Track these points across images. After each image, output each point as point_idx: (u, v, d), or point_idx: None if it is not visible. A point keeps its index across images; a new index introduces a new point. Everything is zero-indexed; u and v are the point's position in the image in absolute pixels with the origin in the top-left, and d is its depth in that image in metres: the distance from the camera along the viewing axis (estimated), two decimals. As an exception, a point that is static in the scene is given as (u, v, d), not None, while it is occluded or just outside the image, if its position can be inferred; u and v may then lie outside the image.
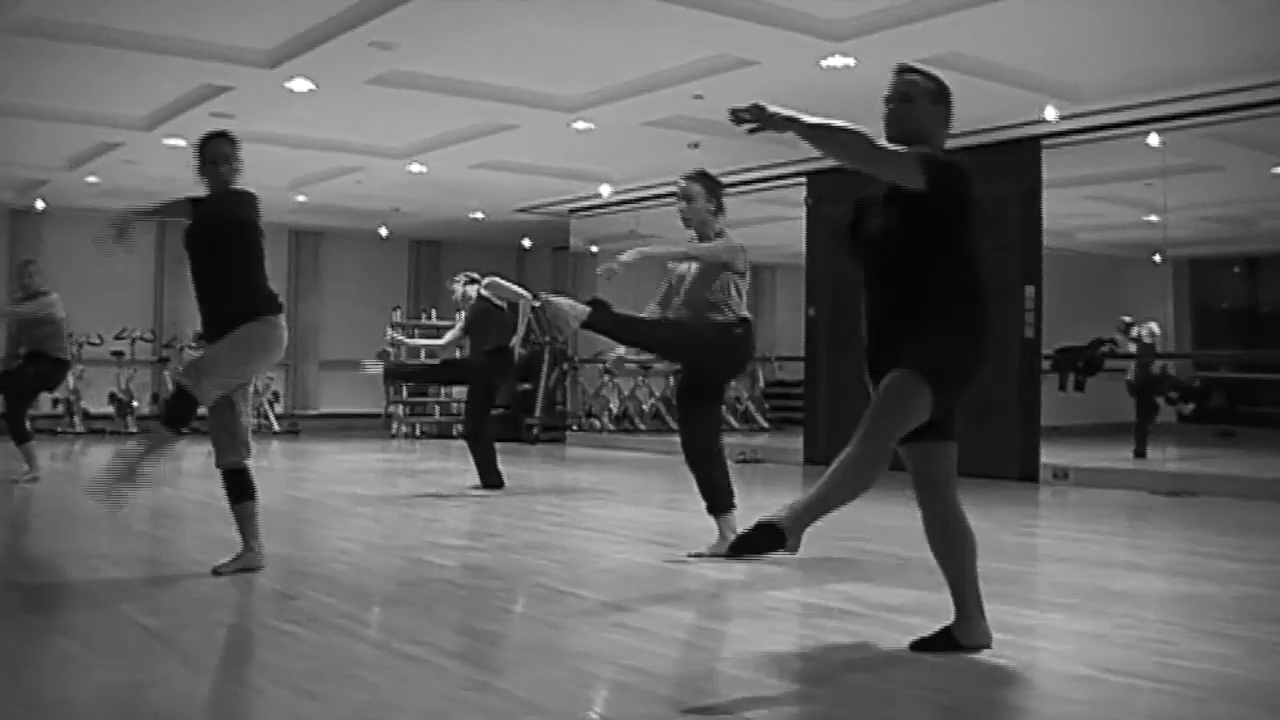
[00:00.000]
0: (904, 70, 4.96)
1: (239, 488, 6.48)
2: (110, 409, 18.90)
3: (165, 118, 12.97)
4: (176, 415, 6.16)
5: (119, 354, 18.88)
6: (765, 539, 4.32)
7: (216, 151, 6.45)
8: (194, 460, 11.47)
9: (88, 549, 7.26)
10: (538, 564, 6.85)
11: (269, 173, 16.19)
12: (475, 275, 11.47)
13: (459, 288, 11.50)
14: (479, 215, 19.70)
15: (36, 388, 11.53)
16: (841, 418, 14.05)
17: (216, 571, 6.23)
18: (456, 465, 14.42)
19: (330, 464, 14.39)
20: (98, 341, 18.15)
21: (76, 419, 18.37)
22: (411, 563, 6.90)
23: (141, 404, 19.23)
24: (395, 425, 20.33)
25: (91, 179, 16.44)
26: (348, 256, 21.86)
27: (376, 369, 10.62)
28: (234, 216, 6.28)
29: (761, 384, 23.23)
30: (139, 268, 19.97)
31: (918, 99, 4.95)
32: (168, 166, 15.34)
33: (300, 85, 11.25)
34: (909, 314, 4.66)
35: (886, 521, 8.35)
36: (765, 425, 21.87)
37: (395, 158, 14.97)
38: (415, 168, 15.41)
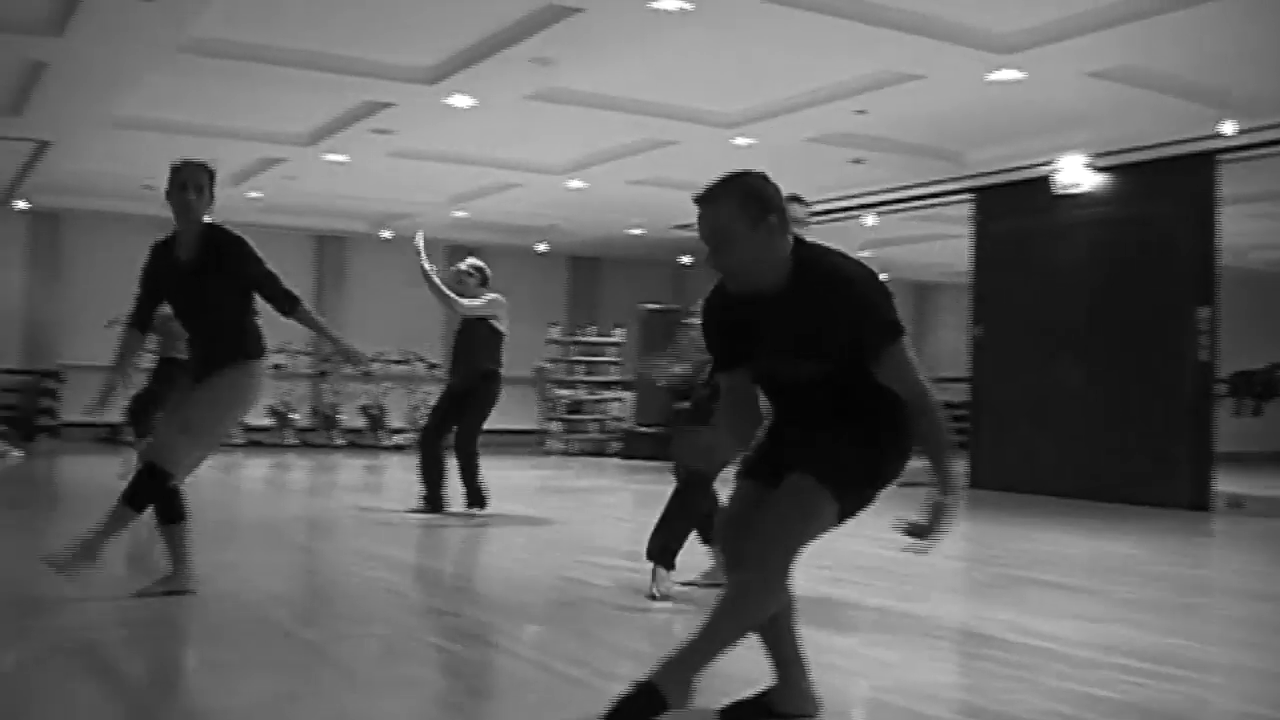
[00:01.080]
0: (704, 199, 3.89)
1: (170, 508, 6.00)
2: (269, 421, 19.37)
3: (327, 134, 13.28)
4: (143, 496, 5.80)
5: (278, 367, 19.31)
6: (644, 704, 3.61)
7: (190, 178, 5.98)
8: (350, 473, 11.69)
9: (248, 560, 7.44)
10: (692, 589, 6.86)
11: (428, 188, 16.48)
12: (486, 271, 10.62)
13: (470, 280, 10.45)
14: (638, 231, 19.80)
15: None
16: (1007, 441, 13.92)
17: (139, 594, 5.87)
18: (611, 483, 14.50)
19: (486, 480, 14.54)
20: (258, 355, 18.56)
21: (236, 430, 18.81)
22: (568, 582, 6.96)
23: (300, 416, 19.66)
24: (550, 442, 20.50)
25: (254, 194, 16.85)
26: (505, 272, 21.95)
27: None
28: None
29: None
30: (298, 283, 20.38)
31: (736, 238, 3.77)
32: (327, 181, 15.71)
33: (460, 101, 11.43)
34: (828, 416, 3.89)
35: (1055, 550, 8.25)
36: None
37: (554, 173, 15.12)
38: (574, 183, 15.55)
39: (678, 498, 6.62)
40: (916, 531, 3.88)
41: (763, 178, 3.81)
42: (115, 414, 12.27)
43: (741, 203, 3.77)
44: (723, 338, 3.94)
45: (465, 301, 10.12)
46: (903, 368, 3.76)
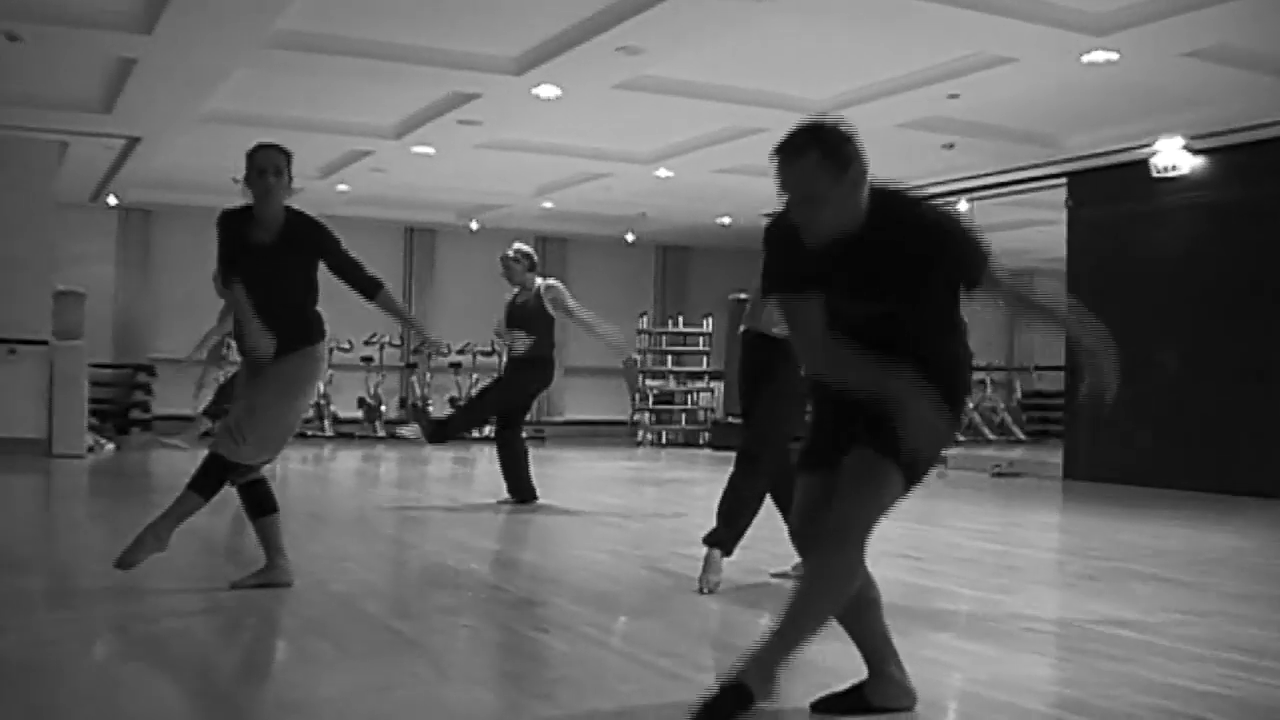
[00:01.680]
0: (786, 152, 3.72)
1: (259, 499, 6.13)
2: (359, 413, 19.55)
3: (414, 126, 13.37)
4: (206, 483, 5.84)
5: (368, 359, 19.50)
6: (732, 702, 3.59)
7: (268, 162, 6.02)
8: (439, 465, 11.77)
9: (338, 551, 7.52)
10: (787, 579, 6.85)
11: (515, 179, 16.55)
12: (534, 256, 10.48)
13: (517, 266, 10.32)
14: (726, 220, 19.77)
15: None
16: (1104, 431, 13.75)
17: (234, 585, 5.94)
18: (703, 474, 14.51)
19: (576, 471, 14.61)
20: (348, 347, 18.74)
21: (326, 422, 19.00)
22: (660, 573, 6.97)
23: (389, 408, 19.82)
24: (641, 433, 20.54)
25: (342, 187, 17.01)
26: (594, 263, 22.13)
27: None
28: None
29: (1019, 394, 22.86)
30: (387, 274, 20.57)
31: (819, 195, 3.65)
32: (414, 174, 15.83)
33: (547, 91, 11.46)
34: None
35: (1154, 542, 8.16)
36: (1023, 437, 21.50)
37: (642, 162, 15.13)
38: (662, 172, 15.56)
39: (737, 475, 6.54)
40: (1094, 391, 4.06)
41: (842, 128, 3.73)
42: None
43: (824, 157, 3.65)
44: (791, 264, 3.81)
45: (571, 304, 10.14)
46: (1004, 280, 3.82)
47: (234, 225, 6.01)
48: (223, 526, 8.03)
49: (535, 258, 10.37)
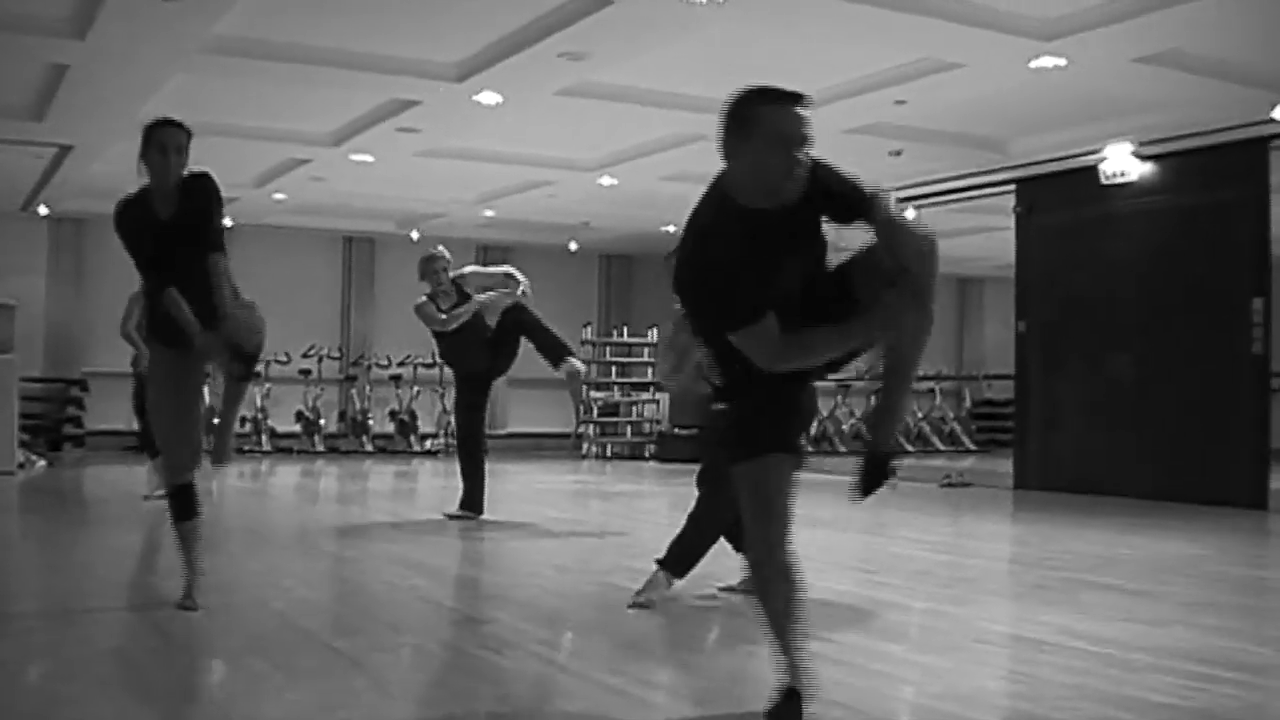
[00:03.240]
0: (801, 100, 4.16)
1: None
2: (297, 427, 19.45)
3: (352, 133, 13.31)
4: (186, 508, 5.96)
5: (306, 372, 19.41)
6: (795, 707, 4.00)
7: (170, 139, 5.97)
8: (381, 479, 11.74)
9: (278, 569, 7.47)
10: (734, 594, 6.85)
11: (457, 187, 16.51)
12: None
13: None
14: (672, 229, 19.77)
15: None
16: (1055, 439, 13.86)
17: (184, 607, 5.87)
18: (650, 488, 14.51)
19: (520, 485, 14.58)
20: (285, 360, 18.66)
21: (264, 437, 18.90)
22: (607, 588, 6.96)
23: (328, 422, 19.73)
24: (586, 445, 20.51)
25: (279, 195, 16.92)
26: (537, 272, 21.99)
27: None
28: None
29: (968, 403, 23.00)
30: (326, 285, 20.52)
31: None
32: (353, 182, 15.76)
33: (488, 98, 11.44)
34: None
35: (1108, 551, 8.20)
36: (972, 447, 21.62)
37: (585, 170, 15.13)
38: (606, 180, 15.56)
39: (703, 505, 6.56)
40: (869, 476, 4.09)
41: None
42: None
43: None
44: (751, 272, 3.84)
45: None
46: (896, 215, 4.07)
47: (134, 214, 5.87)
48: (156, 544, 7.96)
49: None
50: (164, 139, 5.90)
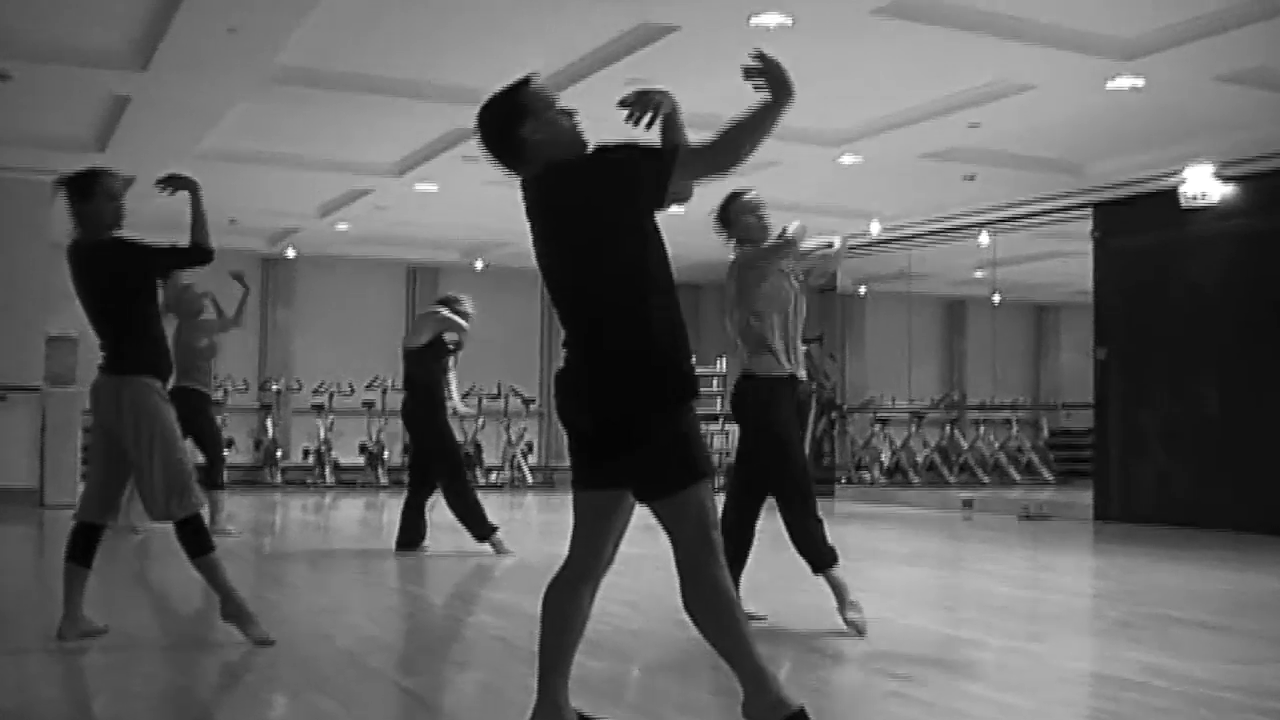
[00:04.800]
0: None
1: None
2: (360, 460, 19.49)
3: (416, 162, 13.40)
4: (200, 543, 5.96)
5: (370, 404, 19.46)
6: None
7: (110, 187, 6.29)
8: (443, 512, 11.63)
9: (344, 604, 7.49)
10: (809, 628, 6.81)
11: (520, 218, 16.53)
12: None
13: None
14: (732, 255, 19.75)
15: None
16: (1138, 470, 13.71)
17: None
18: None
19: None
20: (349, 391, 18.75)
21: (327, 470, 18.95)
22: (676, 625, 6.92)
23: (392, 455, 19.77)
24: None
25: (342, 226, 17.04)
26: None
27: None
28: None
29: (1046, 433, 22.80)
30: (389, 315, 20.60)
31: None
32: (417, 212, 15.85)
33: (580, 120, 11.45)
34: None
35: (1195, 586, 8.10)
36: (1051, 478, 21.43)
37: (654, 196, 15.13)
38: (673, 208, 15.52)
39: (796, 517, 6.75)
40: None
41: None
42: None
43: None
44: None
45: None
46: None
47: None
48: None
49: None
50: (115, 186, 6.37)
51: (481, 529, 10.12)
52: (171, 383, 6.23)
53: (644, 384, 3.85)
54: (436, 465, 10.34)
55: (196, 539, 5.89)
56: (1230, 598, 8.16)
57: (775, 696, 3.88)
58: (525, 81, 4.31)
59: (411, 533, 10.32)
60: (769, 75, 3.97)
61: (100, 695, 4.97)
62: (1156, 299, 13.82)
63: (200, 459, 11.03)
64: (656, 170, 3.90)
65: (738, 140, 4.01)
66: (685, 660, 5.93)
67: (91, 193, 6.14)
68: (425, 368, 10.52)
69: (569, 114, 4.32)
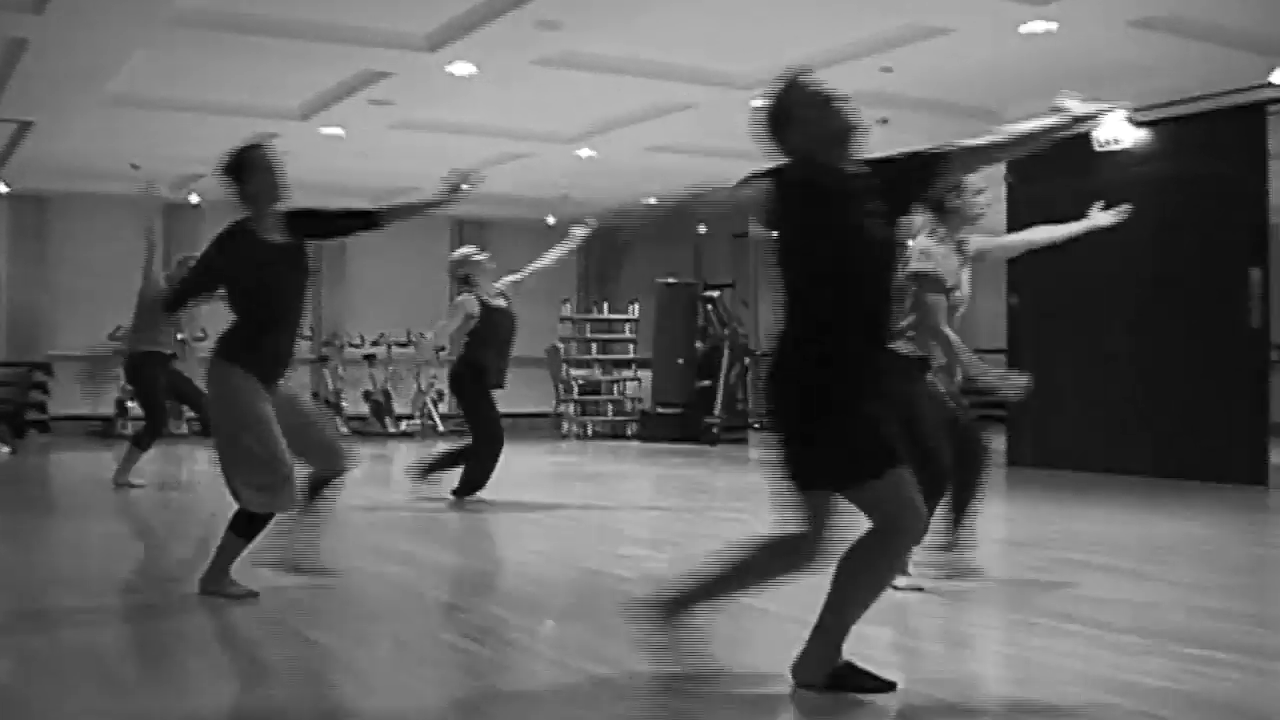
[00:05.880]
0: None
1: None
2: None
3: (321, 107, 13.28)
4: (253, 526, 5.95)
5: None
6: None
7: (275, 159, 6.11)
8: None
9: (251, 558, 7.47)
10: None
11: (430, 161, 16.44)
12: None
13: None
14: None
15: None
16: (1048, 416, 13.84)
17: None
18: (631, 468, 14.52)
19: (498, 467, 14.58)
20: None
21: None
22: (588, 574, 6.97)
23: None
24: (566, 425, 20.49)
25: (247, 172, 16.86)
26: (514, 247, 21.94)
27: None
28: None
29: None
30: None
31: None
32: (325, 157, 15.70)
33: (462, 69, 11.41)
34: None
35: (1106, 531, 8.25)
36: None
37: (563, 142, 15.11)
38: (585, 152, 15.54)
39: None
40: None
41: None
42: (107, 406, 12.30)
43: None
44: None
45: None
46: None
47: (238, 239, 5.95)
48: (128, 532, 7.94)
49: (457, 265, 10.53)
50: (269, 160, 6.06)
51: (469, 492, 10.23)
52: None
53: None
54: (475, 433, 10.37)
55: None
56: (1141, 543, 8.31)
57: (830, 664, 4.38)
58: (793, 82, 4.71)
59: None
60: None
61: (3, 659, 4.94)
62: (1068, 245, 13.93)
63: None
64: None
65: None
66: (595, 611, 5.97)
67: (246, 170, 5.98)
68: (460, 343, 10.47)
69: (838, 107, 4.66)
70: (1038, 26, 10.04)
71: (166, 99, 12.78)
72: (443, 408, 20.21)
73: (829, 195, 4.41)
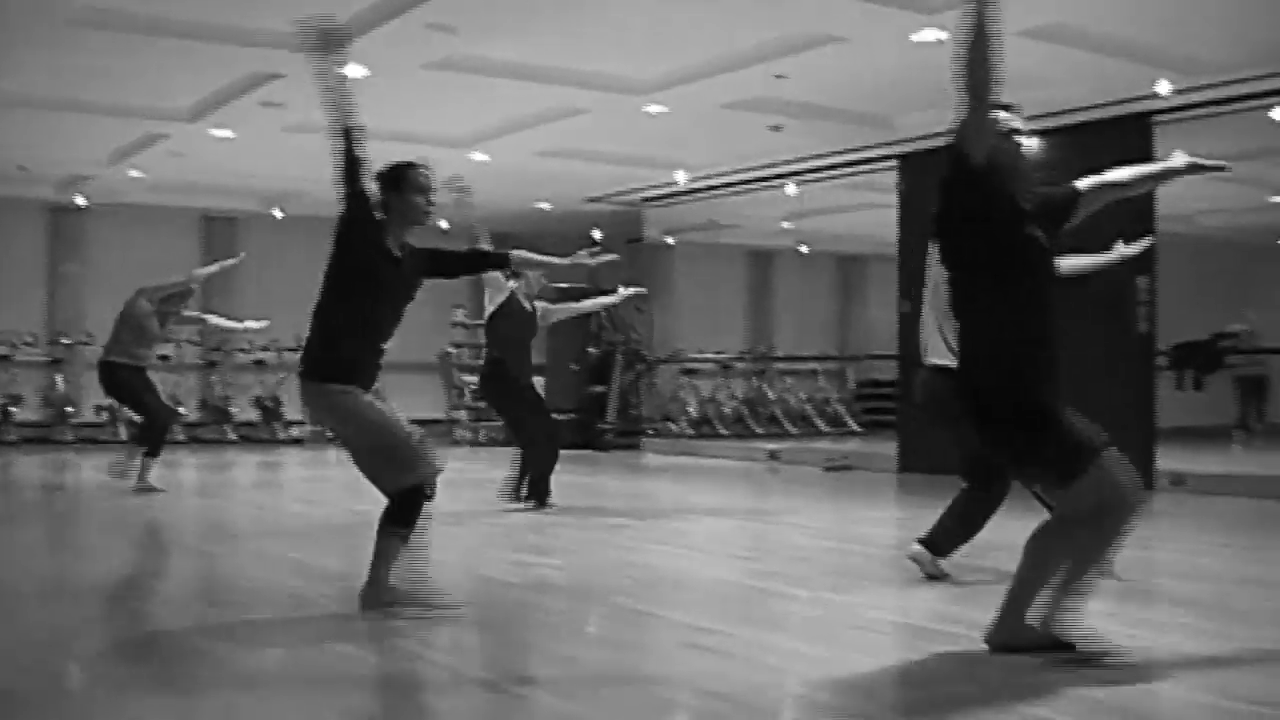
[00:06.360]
0: None
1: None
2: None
3: (211, 107, 13.15)
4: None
5: (165, 358, 18.92)
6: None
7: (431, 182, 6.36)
8: (245, 470, 11.62)
9: (140, 567, 7.39)
10: (613, 582, 6.88)
11: (321, 164, 16.26)
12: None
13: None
14: (546, 206, 19.77)
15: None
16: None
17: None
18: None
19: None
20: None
21: (120, 428, 18.43)
22: (479, 581, 6.96)
23: (189, 410, 19.35)
24: (458, 432, 20.41)
25: (135, 173, 16.67)
26: (405, 251, 21.89)
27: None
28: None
29: (852, 384, 23.19)
30: (185, 266, 20.05)
31: None
32: (214, 158, 15.57)
33: (354, 71, 11.32)
34: None
35: (992, 536, 8.30)
36: (857, 429, 21.82)
37: (456, 146, 15.06)
38: (478, 156, 15.50)
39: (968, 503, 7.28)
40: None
41: None
42: None
43: None
44: None
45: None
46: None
47: (380, 232, 6.08)
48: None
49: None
50: (430, 180, 6.39)
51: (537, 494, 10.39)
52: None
53: None
54: (515, 438, 10.62)
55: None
56: (1023, 546, 8.37)
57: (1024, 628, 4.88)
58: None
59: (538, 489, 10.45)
60: None
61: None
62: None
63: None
64: None
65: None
66: (487, 618, 5.97)
67: (401, 184, 6.25)
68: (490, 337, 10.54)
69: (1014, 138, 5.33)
70: (929, 35, 10.17)
71: (51, 99, 12.62)
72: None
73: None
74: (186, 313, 11.82)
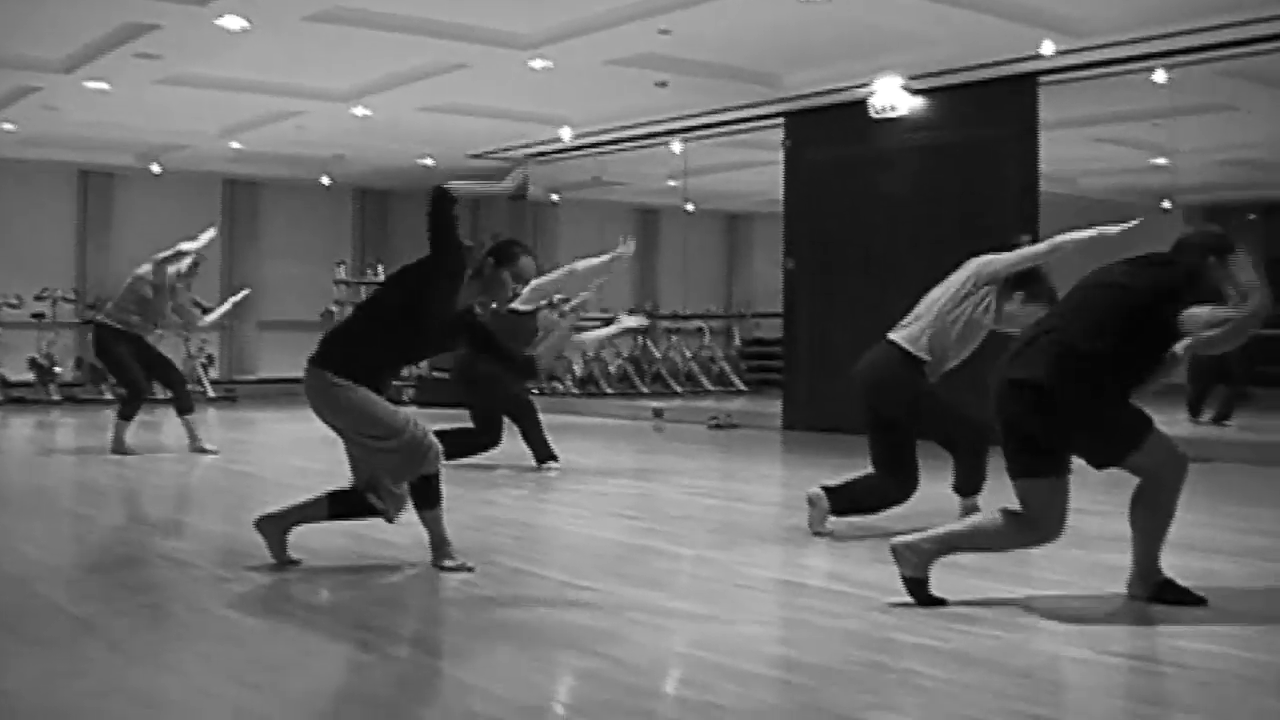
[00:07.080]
0: None
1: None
2: (31, 375, 18.77)
3: (86, 59, 12.88)
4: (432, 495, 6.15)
5: (40, 316, 18.75)
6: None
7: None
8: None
9: (11, 530, 7.28)
10: (495, 541, 6.89)
11: (200, 118, 16.13)
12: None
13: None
14: (429, 162, 19.62)
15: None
16: (824, 380, 14.10)
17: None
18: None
19: (270, 434, 14.40)
20: (16, 303, 18.03)
21: (-8, 388, 18.25)
22: (359, 540, 6.92)
23: (65, 370, 19.12)
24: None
25: (7, 126, 16.33)
26: (287, 208, 21.69)
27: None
28: None
29: (738, 342, 23.29)
30: (60, 222, 19.86)
31: None
32: (90, 111, 15.29)
33: (233, 23, 11.18)
34: None
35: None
36: (742, 387, 21.93)
37: (337, 101, 14.90)
38: (359, 111, 15.35)
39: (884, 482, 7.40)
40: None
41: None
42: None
43: None
44: None
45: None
46: None
47: (457, 287, 6.23)
48: None
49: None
50: (528, 271, 6.59)
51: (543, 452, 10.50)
52: None
53: None
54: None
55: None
56: (910, 507, 8.48)
57: (1155, 579, 5.31)
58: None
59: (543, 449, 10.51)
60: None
61: None
62: (845, 210, 14.20)
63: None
64: None
65: None
66: (364, 579, 5.96)
67: (507, 261, 6.47)
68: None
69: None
70: (819, -8, 10.18)
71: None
72: (213, 373, 19.89)
73: None
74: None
